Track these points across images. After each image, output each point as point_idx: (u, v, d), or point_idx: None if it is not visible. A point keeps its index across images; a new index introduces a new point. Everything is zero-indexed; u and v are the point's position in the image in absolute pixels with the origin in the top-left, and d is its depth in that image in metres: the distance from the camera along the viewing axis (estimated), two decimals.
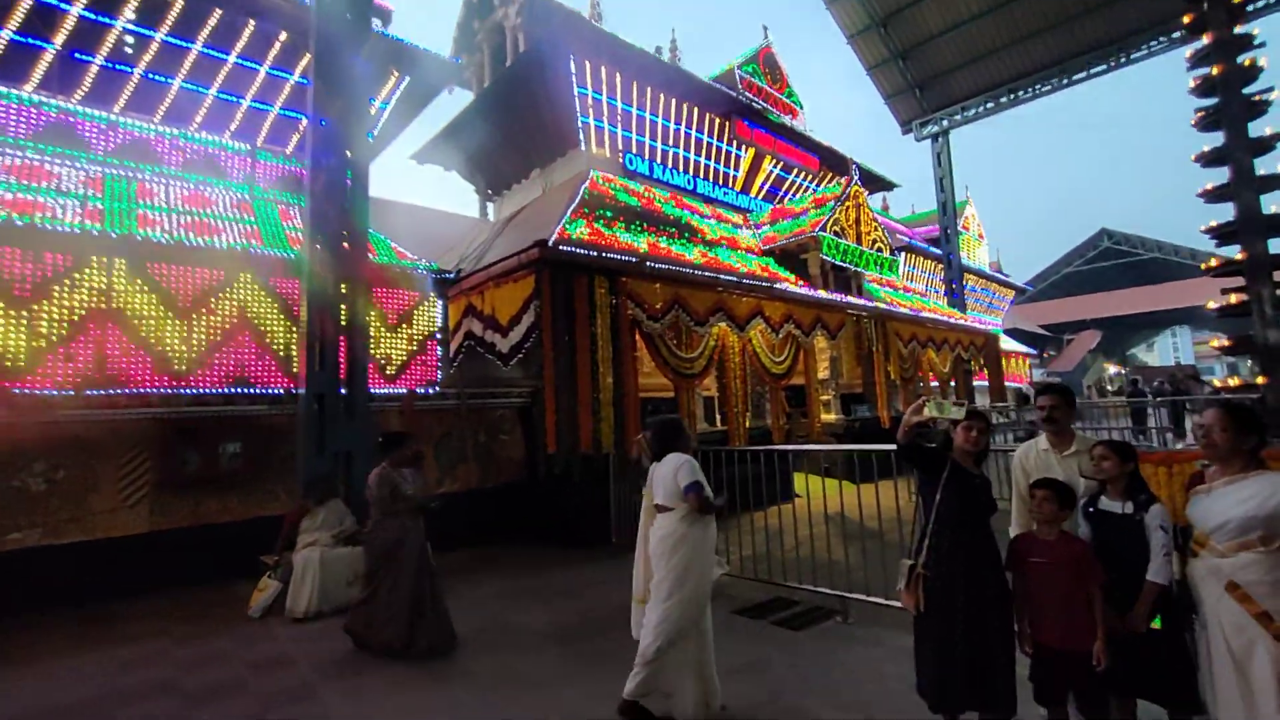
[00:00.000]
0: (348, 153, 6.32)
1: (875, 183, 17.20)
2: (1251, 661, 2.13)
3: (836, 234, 11.86)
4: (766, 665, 3.76)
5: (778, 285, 9.74)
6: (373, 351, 7.04)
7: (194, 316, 5.97)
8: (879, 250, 13.02)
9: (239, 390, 6.21)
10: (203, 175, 7.00)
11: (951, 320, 15.22)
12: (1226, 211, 8.16)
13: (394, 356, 7.27)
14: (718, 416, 10.42)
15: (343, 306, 6.13)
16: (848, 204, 12.37)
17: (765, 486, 5.56)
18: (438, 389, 7.69)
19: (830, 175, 14.97)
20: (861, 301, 11.88)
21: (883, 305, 12.52)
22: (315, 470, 5.84)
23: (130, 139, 6.59)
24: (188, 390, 5.91)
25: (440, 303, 7.88)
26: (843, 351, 12.11)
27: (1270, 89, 7.75)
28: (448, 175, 13.93)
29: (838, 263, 11.81)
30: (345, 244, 6.29)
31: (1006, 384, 18.21)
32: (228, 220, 6.72)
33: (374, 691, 3.56)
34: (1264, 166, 7.66)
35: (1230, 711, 2.17)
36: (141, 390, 5.71)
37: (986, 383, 17.32)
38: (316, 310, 6.04)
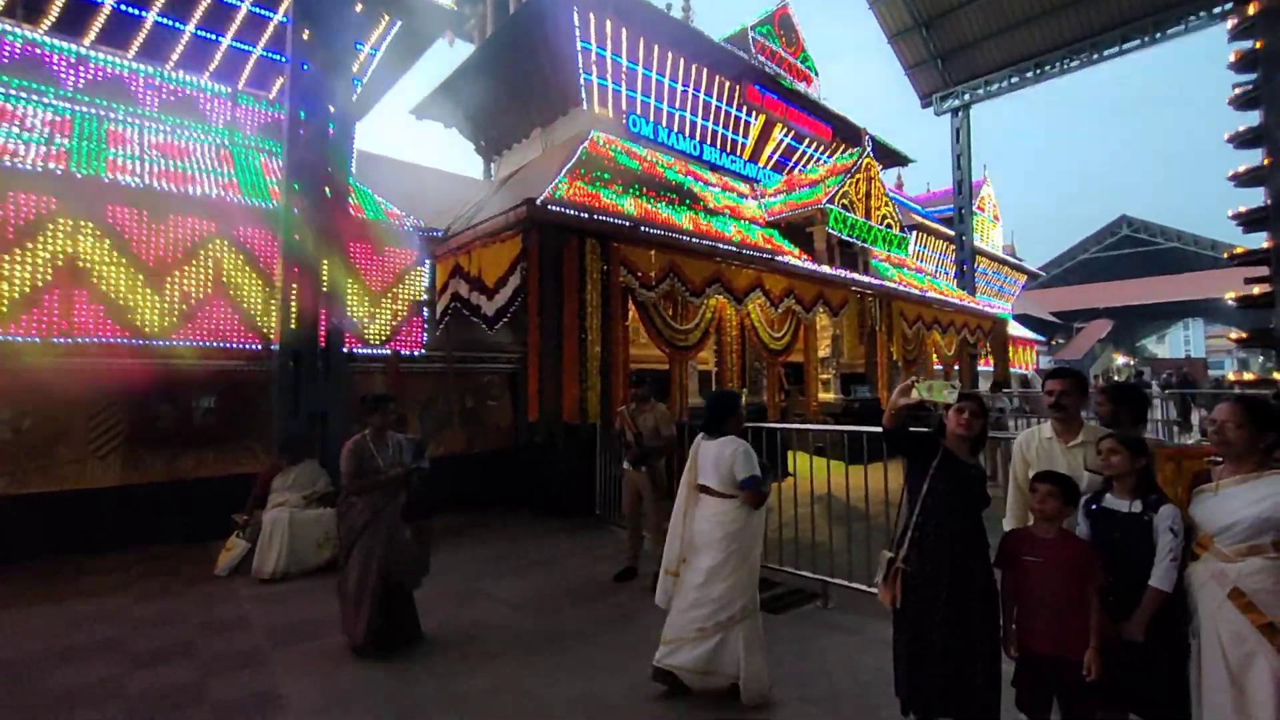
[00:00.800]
0: (331, 101, 5.99)
1: (889, 157, 16.63)
2: (1249, 674, 1.97)
3: (845, 208, 11.45)
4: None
5: (779, 258, 9.41)
6: (355, 310, 6.81)
7: (168, 267, 5.73)
8: (888, 227, 12.61)
9: (215, 344, 6.01)
10: (179, 118, 6.68)
11: (959, 303, 14.85)
12: (1257, 197, 7.74)
13: (377, 316, 7.04)
14: (713, 390, 10.23)
15: (323, 262, 5.89)
16: (859, 177, 11.92)
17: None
18: (424, 351, 7.48)
19: (843, 147, 14.43)
20: (867, 279, 11.53)
21: (889, 284, 12.17)
22: (290, 430, 5.68)
23: (101, 75, 6.25)
24: (160, 342, 5.71)
25: (428, 262, 7.61)
26: (845, 330, 11.82)
27: None
28: (455, 136, 13.49)
29: (845, 237, 11.43)
30: (326, 197, 6.02)
31: (1011, 370, 17.89)
32: (205, 168, 6.42)
33: (326, 660, 3.42)
34: None
35: None
36: (111, 340, 5.51)
37: (991, 368, 17.01)
38: (293, 265, 5.80)
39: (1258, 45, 7.27)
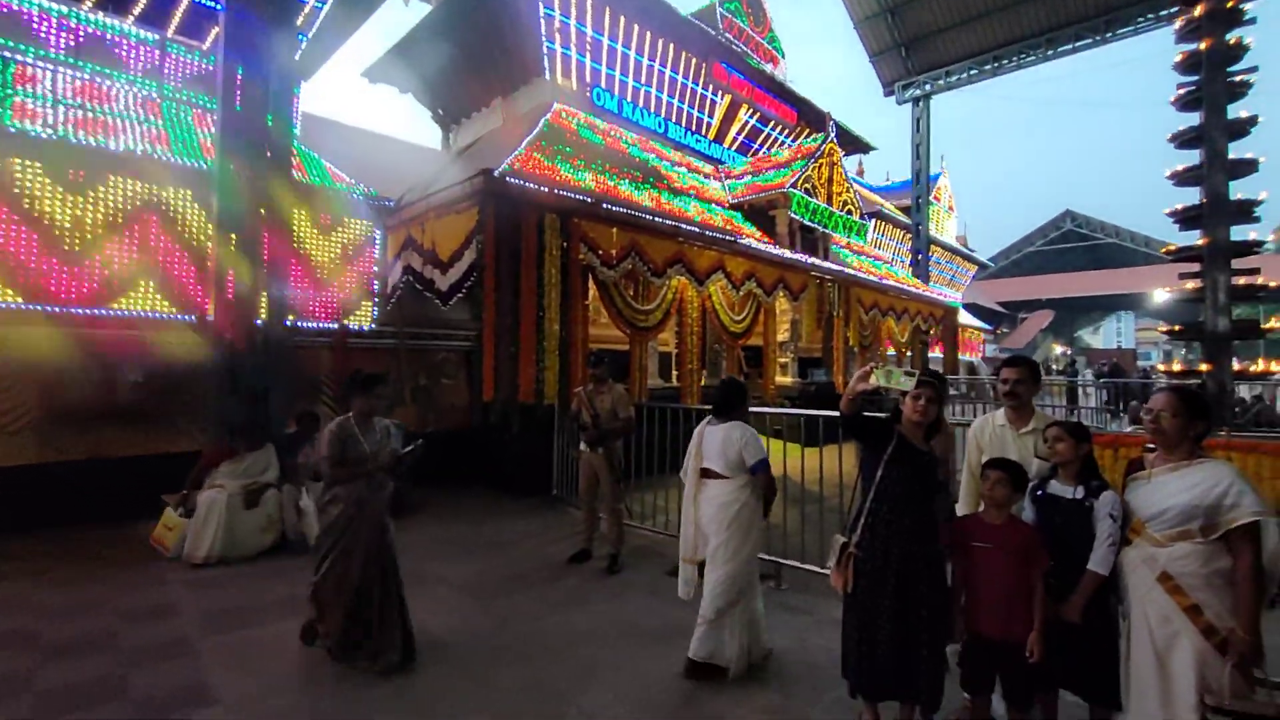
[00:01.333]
0: (272, 56, 5.57)
1: (852, 143, 16.78)
2: (1173, 654, 2.05)
3: (808, 192, 11.48)
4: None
5: (741, 240, 9.38)
6: (299, 282, 6.45)
7: (87, 228, 5.27)
8: (849, 213, 12.73)
9: (143, 314, 5.60)
10: (98, 64, 6.11)
11: (914, 290, 15.21)
12: (1194, 195, 8.10)
13: (324, 289, 6.69)
14: (673, 373, 10.20)
15: (262, 230, 5.53)
16: (822, 162, 11.96)
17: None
18: (374, 326, 7.18)
19: (807, 131, 14.45)
20: (827, 264, 11.64)
21: (848, 270, 12.33)
22: (228, 407, 5.37)
23: (6, 10, 5.64)
24: (80, 310, 5.27)
25: (379, 233, 7.26)
26: (804, 314, 11.94)
27: (1253, 69, 7.58)
28: (412, 102, 12.86)
29: (807, 222, 11.48)
30: (267, 159, 5.63)
31: (960, 357, 18.52)
32: (129, 121, 5.91)
33: (261, 650, 3.25)
34: (1236, 151, 7.57)
35: (1143, 702, 2.09)
36: (21, 307, 5.05)
37: (942, 355, 17.56)
38: (230, 232, 5.43)
39: (1202, 46, 7.54)
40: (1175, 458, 2.14)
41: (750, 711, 2.76)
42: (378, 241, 7.24)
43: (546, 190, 6.96)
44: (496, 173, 6.66)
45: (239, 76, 5.53)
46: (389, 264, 8.16)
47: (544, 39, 9.62)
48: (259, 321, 5.55)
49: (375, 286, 7.15)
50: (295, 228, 6.25)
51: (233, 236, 5.37)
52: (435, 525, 5.67)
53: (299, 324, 6.37)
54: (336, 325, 6.84)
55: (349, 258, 6.89)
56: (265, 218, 5.52)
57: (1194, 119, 7.96)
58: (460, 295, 7.18)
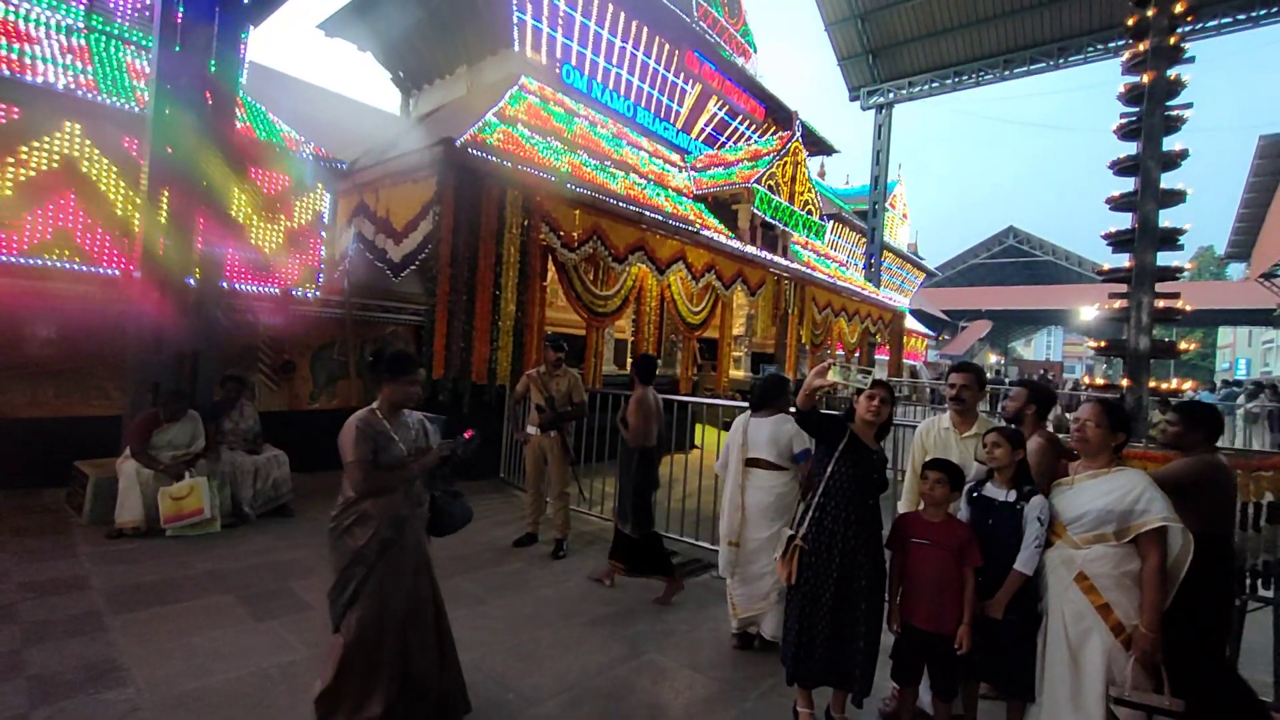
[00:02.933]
0: None
1: (816, 144, 17.03)
2: (1085, 649, 2.18)
3: (771, 189, 11.61)
4: (634, 618, 3.62)
5: (704, 232, 9.41)
6: (239, 240, 6.07)
7: None
8: (810, 213, 12.96)
9: (57, 264, 5.15)
10: None
11: (866, 294, 15.66)
12: (1126, 220, 8.58)
13: (266, 249, 6.32)
14: (628, 361, 10.18)
15: (200, 181, 5.16)
16: (786, 160, 12.10)
17: (671, 435, 5.43)
18: (318, 293, 6.84)
19: (774, 128, 14.59)
20: (785, 262, 11.83)
21: (805, 269, 12.56)
22: (152, 369, 5.02)
23: None
24: None
25: (329, 196, 6.91)
26: (760, 310, 12.12)
27: (1188, 105, 8.07)
28: (371, 62, 12.23)
29: (768, 219, 11.62)
30: (207, 106, 5.25)
31: (904, 360, 19.24)
32: (49, 54, 5.38)
33: (180, 625, 3.07)
34: (1168, 181, 8.05)
35: (1055, 694, 2.22)
36: None
37: (887, 357, 18.19)
38: (163, 182, 5.05)
39: (1145, 79, 7.97)
40: (1096, 465, 2.29)
41: (692, 701, 2.79)
42: (327, 205, 6.89)
43: (510, 165, 6.77)
44: (458, 142, 6.43)
45: (179, 14, 5.12)
46: (339, 229, 7.79)
47: (514, 9, 9.33)
48: (190, 280, 5.21)
49: (323, 252, 6.82)
50: (236, 183, 5.87)
51: (166, 188, 5.00)
52: None
53: (236, 286, 6.01)
54: (278, 290, 6.49)
55: (294, 220, 6.53)
56: (203, 170, 5.15)
57: (1132, 148, 8.41)
58: (414, 267, 6.93)
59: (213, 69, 5.29)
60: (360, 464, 2.24)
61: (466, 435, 2.46)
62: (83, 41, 5.80)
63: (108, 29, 6.04)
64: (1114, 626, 2.14)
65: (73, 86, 5.21)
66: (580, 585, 4.08)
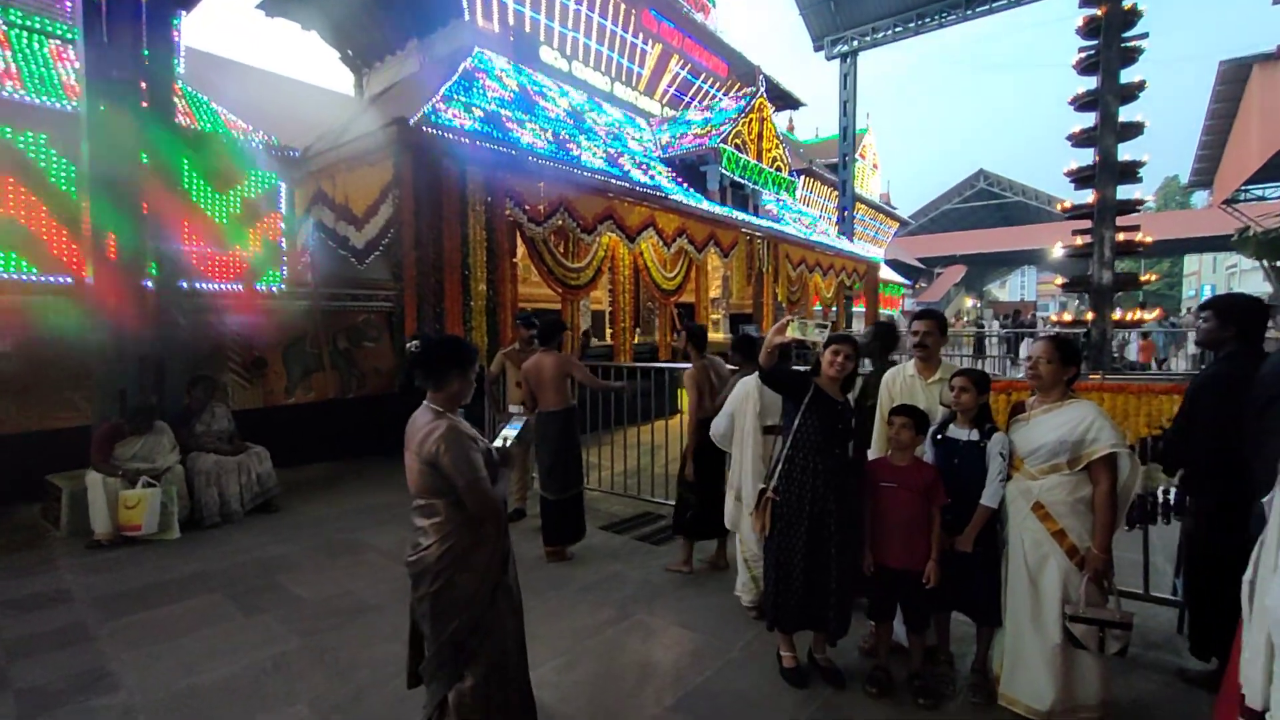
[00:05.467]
0: None
1: (782, 99, 16.82)
2: (1043, 574, 2.30)
3: (738, 147, 11.48)
4: (622, 580, 3.71)
5: (672, 196, 9.32)
6: (193, 240, 5.90)
7: None
8: (779, 169, 12.86)
9: (6, 275, 4.97)
10: None
11: (839, 247, 15.67)
12: (1088, 156, 8.66)
13: (223, 246, 6.16)
14: (607, 331, 10.16)
15: (141, 179, 4.98)
16: (751, 117, 11.95)
17: (651, 401, 5.49)
18: (283, 286, 6.70)
19: (738, 85, 14.36)
20: (757, 220, 11.78)
21: (777, 226, 12.53)
22: (115, 377, 4.91)
23: None
24: None
25: (284, 186, 6.71)
26: (734, 271, 12.12)
27: (1144, 35, 8.09)
28: (317, 41, 11.73)
29: (737, 178, 11.52)
30: (143, 99, 5.03)
31: (881, 311, 19.41)
32: None
33: (169, 629, 3.08)
34: (1126, 114, 8.12)
35: (1018, 617, 2.35)
36: None
37: (864, 309, 18.34)
38: (105, 184, 4.85)
39: (1100, 12, 7.94)
40: (1050, 399, 2.37)
41: (681, 655, 2.88)
42: (282, 194, 6.70)
43: (468, 142, 6.60)
44: (412, 121, 6.25)
45: (103, 3, 4.86)
46: (298, 219, 7.59)
47: None
48: (147, 283, 5.07)
49: (283, 244, 6.65)
50: (184, 179, 5.67)
51: (108, 188, 4.81)
52: (360, 495, 5.51)
53: (197, 285, 5.86)
54: (241, 286, 6.34)
55: (250, 212, 6.35)
56: (146, 166, 4.97)
57: (1091, 83, 8.44)
58: (378, 253, 6.80)
59: (146, 57, 5.05)
60: (477, 483, 1.80)
61: (522, 420, 2.32)
62: (3, 37, 5.50)
63: (28, 24, 5.73)
64: (1069, 550, 2.26)
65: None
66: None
